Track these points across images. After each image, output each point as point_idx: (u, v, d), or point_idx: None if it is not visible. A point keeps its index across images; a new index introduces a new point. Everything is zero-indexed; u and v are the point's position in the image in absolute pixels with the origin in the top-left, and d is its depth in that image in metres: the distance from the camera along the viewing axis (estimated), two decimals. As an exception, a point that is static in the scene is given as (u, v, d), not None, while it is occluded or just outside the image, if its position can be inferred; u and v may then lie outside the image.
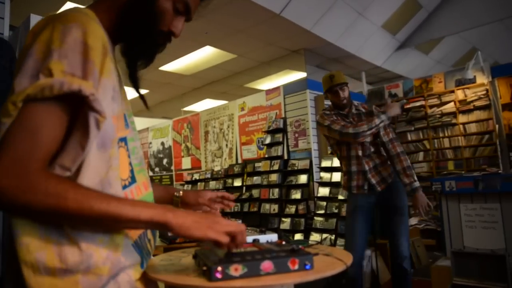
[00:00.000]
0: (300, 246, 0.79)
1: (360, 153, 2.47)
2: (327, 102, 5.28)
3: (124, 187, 0.76)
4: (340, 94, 2.50)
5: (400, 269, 2.41)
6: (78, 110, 0.67)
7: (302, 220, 4.35)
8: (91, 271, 0.67)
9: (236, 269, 0.68)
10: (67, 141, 0.67)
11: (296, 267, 0.72)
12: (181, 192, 1.10)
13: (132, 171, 0.79)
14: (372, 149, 2.49)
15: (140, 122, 9.25)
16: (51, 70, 0.62)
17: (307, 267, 0.73)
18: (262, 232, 1.01)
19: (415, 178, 2.38)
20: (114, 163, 0.73)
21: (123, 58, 0.82)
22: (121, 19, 0.79)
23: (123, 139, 0.78)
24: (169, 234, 1.58)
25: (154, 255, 0.97)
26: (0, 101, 1.74)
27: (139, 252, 0.78)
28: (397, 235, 2.41)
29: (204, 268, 0.70)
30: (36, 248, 0.65)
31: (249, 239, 0.92)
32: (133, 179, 0.79)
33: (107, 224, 0.69)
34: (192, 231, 0.68)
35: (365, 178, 2.46)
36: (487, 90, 5.19)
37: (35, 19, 1.93)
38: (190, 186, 6.03)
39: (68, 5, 4.61)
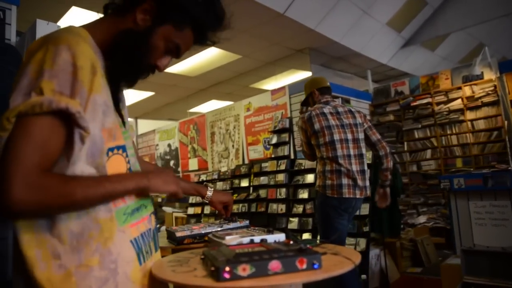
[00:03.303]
0: (308, 246, 0.79)
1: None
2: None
3: None
4: None
5: None
6: (68, 125, 0.74)
7: (310, 219, 4.34)
8: (83, 264, 0.75)
9: (244, 269, 0.68)
10: None
11: (304, 266, 0.72)
12: (209, 194, 1.29)
13: None
14: None
15: (147, 124, 9.31)
16: (42, 89, 0.69)
17: (315, 266, 0.73)
18: (270, 232, 1.01)
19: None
20: (102, 172, 0.80)
21: (106, 76, 0.86)
22: (114, 42, 0.86)
23: (122, 147, 0.87)
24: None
25: (162, 256, 0.98)
26: (8, 104, 1.74)
27: (137, 248, 0.85)
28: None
29: (212, 268, 0.70)
30: (34, 245, 0.73)
31: (257, 239, 0.92)
32: None
33: (107, 201, 0.80)
34: (162, 187, 0.90)
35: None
36: (495, 86, 5.13)
37: (41, 24, 1.95)
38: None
39: (74, 10, 4.65)
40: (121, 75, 0.89)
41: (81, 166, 0.76)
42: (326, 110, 2.60)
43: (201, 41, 0.95)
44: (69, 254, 0.74)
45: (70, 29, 0.80)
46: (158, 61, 0.91)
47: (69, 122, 0.73)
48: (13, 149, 0.68)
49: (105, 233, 0.79)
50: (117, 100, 0.91)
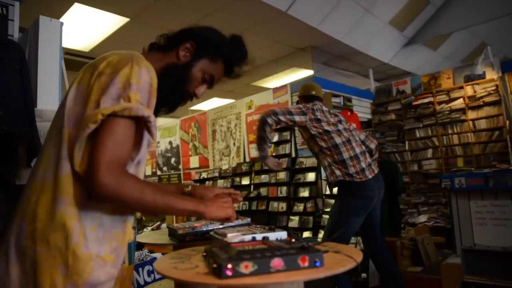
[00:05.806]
0: (310, 244, 0.79)
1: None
2: (335, 100, 5.29)
3: None
4: None
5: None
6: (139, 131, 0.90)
7: (311, 218, 4.35)
8: (101, 256, 0.85)
9: (246, 267, 0.69)
10: None
11: (306, 264, 0.72)
12: (189, 187, 1.31)
13: None
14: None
15: (148, 122, 9.30)
16: (130, 98, 0.85)
17: (317, 264, 0.73)
18: (272, 229, 1.01)
19: None
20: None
21: None
22: (161, 74, 1.00)
23: None
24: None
25: (163, 253, 0.99)
26: (12, 100, 1.74)
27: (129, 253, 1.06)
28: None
29: (215, 265, 0.71)
30: (76, 218, 0.83)
31: (259, 236, 0.92)
32: None
33: (163, 212, 0.94)
34: (217, 213, 0.99)
35: None
36: (497, 86, 5.13)
37: (44, 21, 1.95)
38: (198, 185, 6.08)
39: (76, 7, 4.64)
40: (164, 102, 1.05)
41: (130, 170, 0.90)
42: (319, 107, 2.65)
43: (229, 73, 1.16)
44: (93, 241, 0.85)
45: (142, 56, 0.95)
46: (196, 90, 1.10)
47: (141, 128, 0.89)
48: (102, 142, 0.81)
49: (126, 236, 0.92)
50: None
